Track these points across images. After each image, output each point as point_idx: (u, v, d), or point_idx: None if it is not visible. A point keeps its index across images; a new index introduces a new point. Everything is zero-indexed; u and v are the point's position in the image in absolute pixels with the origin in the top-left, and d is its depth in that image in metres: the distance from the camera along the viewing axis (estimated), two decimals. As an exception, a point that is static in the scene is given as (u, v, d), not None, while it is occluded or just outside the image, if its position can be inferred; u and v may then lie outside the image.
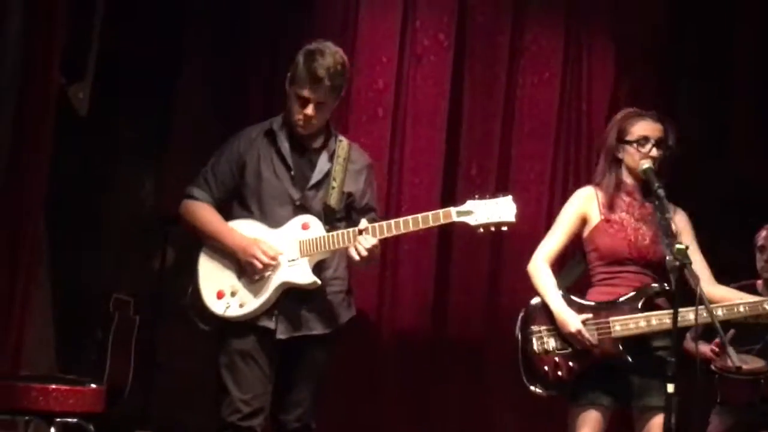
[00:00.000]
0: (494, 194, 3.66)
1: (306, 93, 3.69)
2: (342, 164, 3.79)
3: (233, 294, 3.70)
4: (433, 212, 3.63)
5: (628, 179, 3.87)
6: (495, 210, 3.61)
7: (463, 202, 3.67)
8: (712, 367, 4.56)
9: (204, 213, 3.79)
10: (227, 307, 3.68)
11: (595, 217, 3.86)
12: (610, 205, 3.83)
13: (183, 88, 5.17)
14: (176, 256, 5.05)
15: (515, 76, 5.26)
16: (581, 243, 3.95)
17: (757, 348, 4.48)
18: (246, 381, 3.67)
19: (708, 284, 3.71)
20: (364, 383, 5.01)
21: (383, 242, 3.64)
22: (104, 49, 4.90)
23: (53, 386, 3.94)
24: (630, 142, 3.82)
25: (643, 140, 3.80)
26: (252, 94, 5.10)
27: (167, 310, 4.82)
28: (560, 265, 4.00)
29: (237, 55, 5.17)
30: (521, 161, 5.24)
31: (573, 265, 4.00)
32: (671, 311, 3.50)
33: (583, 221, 3.90)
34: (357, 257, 3.64)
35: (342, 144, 3.85)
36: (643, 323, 3.67)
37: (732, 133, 5.62)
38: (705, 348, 4.45)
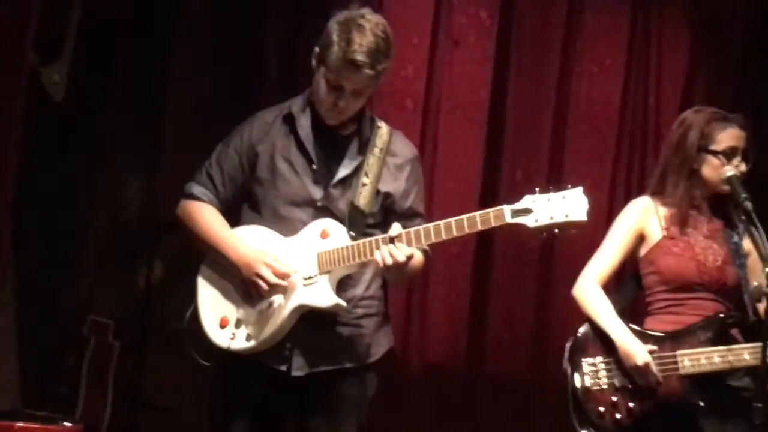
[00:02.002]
0: (559, 187, 3.24)
1: (341, 81, 3.34)
2: (378, 156, 3.45)
3: (239, 322, 3.40)
4: (481, 213, 3.22)
5: (697, 191, 3.72)
6: (561, 207, 3.19)
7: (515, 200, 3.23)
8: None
9: (204, 217, 3.47)
10: (232, 339, 3.38)
11: (655, 234, 3.72)
12: (682, 222, 3.71)
13: (180, 67, 5.01)
14: (166, 272, 4.95)
15: (570, 63, 5.11)
16: (635, 264, 3.80)
17: None
18: None
19: None
20: (390, 425, 4.82)
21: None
22: (85, 23, 4.84)
23: (20, 424, 3.88)
24: (715, 153, 3.67)
25: (731, 151, 3.67)
26: (269, 71, 4.98)
27: (154, 336, 4.77)
28: (612, 288, 3.84)
29: (247, 21, 4.99)
30: (576, 164, 5.09)
31: (624, 290, 3.88)
32: (753, 345, 3.45)
33: (640, 238, 3.76)
34: (381, 264, 3.25)
35: (380, 131, 3.49)
36: (717, 359, 3.53)
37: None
38: None
